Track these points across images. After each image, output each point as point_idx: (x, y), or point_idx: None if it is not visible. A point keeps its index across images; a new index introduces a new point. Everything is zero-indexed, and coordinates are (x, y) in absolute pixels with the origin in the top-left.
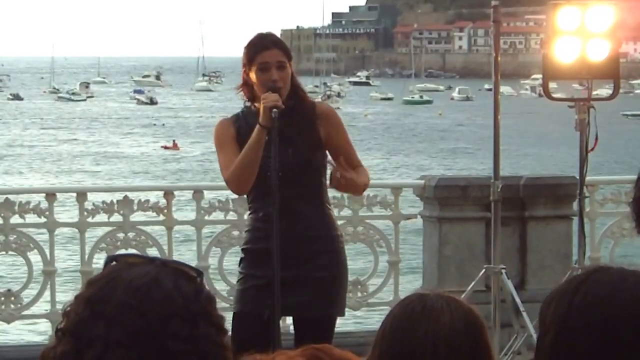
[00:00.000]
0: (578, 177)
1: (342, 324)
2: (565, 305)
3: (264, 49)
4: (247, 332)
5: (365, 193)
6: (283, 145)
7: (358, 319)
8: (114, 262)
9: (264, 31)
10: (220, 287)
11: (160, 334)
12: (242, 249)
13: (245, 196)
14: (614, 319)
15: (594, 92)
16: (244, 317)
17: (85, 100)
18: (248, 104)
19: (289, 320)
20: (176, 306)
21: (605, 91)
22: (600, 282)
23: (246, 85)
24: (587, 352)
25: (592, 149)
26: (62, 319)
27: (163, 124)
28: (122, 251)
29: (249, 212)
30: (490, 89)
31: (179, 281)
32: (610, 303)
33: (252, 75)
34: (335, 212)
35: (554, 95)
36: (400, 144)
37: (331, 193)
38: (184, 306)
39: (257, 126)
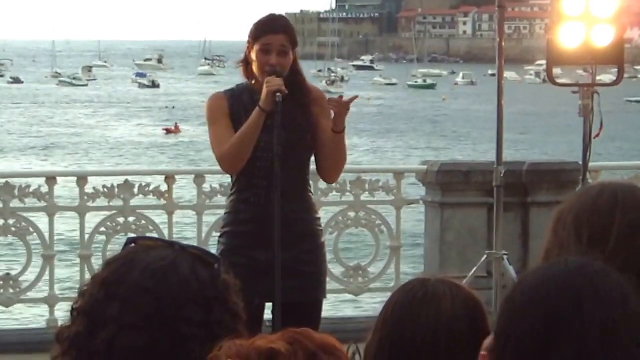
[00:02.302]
0: (581, 163)
1: (343, 309)
2: (508, 312)
3: (270, 32)
4: None
5: (367, 177)
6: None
7: (359, 304)
8: (133, 244)
9: (277, 13)
10: None
11: (174, 318)
12: (223, 232)
13: (230, 178)
14: (551, 312)
15: (598, 78)
16: None
17: (86, 84)
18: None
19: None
20: (191, 291)
21: (609, 77)
22: (529, 283)
23: (246, 61)
24: (536, 352)
25: (597, 135)
26: (77, 297)
27: (173, 107)
28: (122, 235)
29: (230, 193)
30: (493, 74)
31: (195, 266)
32: (543, 300)
33: (253, 54)
34: (337, 196)
35: (558, 81)
36: (403, 129)
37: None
38: (199, 291)
39: (257, 108)
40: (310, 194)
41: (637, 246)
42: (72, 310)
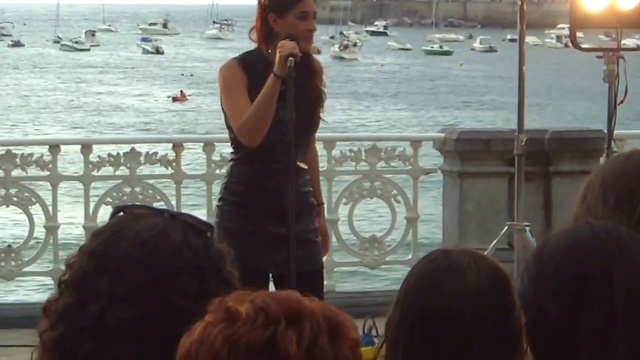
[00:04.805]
0: (606, 131)
1: (359, 283)
2: (535, 275)
3: None
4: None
5: (383, 146)
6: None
7: (375, 278)
8: (122, 213)
9: None
10: None
11: (166, 290)
12: (234, 202)
13: (232, 147)
14: (581, 276)
15: (622, 42)
16: (250, 276)
17: (89, 49)
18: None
19: None
20: (184, 261)
21: (632, 42)
22: (556, 246)
23: (264, 28)
24: (565, 314)
25: (622, 102)
26: (65, 270)
27: (191, 74)
28: None
29: (236, 163)
30: (513, 40)
31: (187, 235)
32: (573, 264)
33: (286, 22)
34: (351, 166)
35: (583, 46)
36: (419, 96)
37: (347, 145)
38: (192, 261)
39: (272, 76)
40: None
41: None
42: (60, 282)
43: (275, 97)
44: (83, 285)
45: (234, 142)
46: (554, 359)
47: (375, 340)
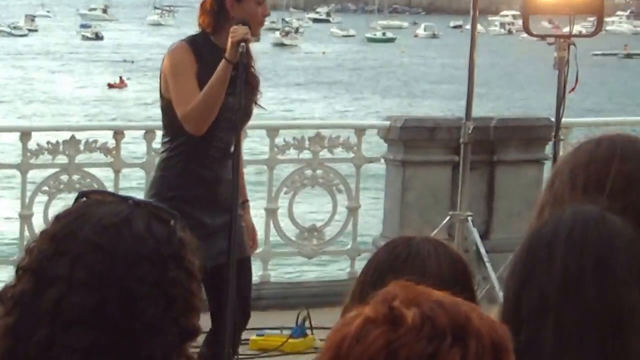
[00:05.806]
0: (552, 119)
1: (296, 273)
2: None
3: None
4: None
5: (327, 133)
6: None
7: (313, 268)
8: (85, 198)
9: None
10: None
11: (126, 277)
12: (171, 197)
13: (166, 136)
14: (527, 255)
15: (566, 29)
16: None
17: (27, 34)
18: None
19: None
20: (146, 248)
21: (576, 28)
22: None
23: (219, 14)
24: (513, 293)
25: (573, 89)
26: (24, 255)
27: (132, 61)
28: (65, 195)
29: (171, 154)
30: (456, 26)
31: (151, 223)
32: (528, 244)
33: (244, 7)
34: (294, 154)
35: (535, 32)
36: (361, 85)
37: (290, 133)
38: (155, 249)
39: (223, 61)
40: None
41: (632, 199)
42: (18, 268)
43: (226, 84)
44: (42, 269)
45: (169, 129)
46: None
47: (308, 332)
